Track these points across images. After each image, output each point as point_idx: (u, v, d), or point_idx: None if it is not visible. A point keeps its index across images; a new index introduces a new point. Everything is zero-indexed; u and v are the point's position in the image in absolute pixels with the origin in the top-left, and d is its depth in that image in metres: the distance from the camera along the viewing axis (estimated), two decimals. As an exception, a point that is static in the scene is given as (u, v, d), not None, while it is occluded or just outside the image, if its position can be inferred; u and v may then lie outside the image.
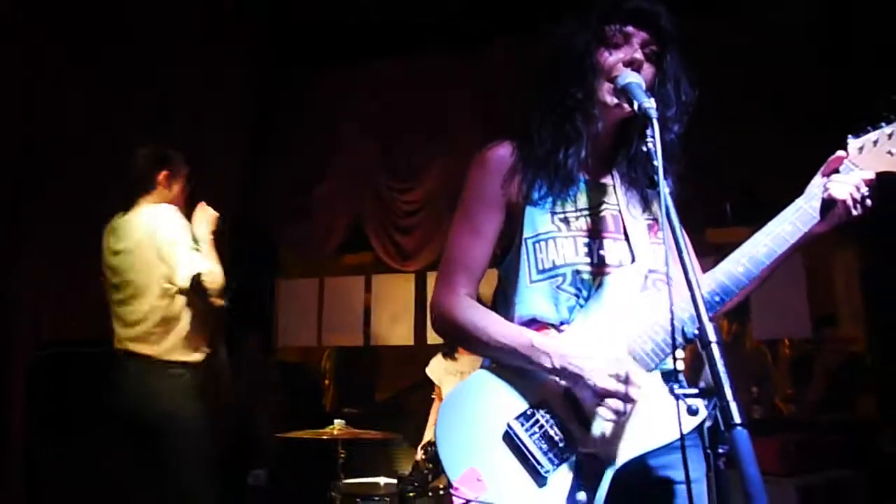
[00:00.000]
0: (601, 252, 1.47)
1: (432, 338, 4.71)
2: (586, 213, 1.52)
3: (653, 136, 1.32)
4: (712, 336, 1.14)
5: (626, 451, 1.34)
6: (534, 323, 1.46)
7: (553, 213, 1.49)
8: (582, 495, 1.30)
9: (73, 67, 3.85)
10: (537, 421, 1.37)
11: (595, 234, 1.49)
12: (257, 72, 5.09)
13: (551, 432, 1.36)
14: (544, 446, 1.35)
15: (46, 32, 3.67)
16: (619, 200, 1.55)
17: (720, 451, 1.16)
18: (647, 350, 1.37)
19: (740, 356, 4.71)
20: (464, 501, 1.28)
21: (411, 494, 3.38)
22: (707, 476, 1.15)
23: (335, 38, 5.07)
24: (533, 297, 1.47)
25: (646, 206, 1.57)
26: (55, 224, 3.79)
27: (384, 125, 5.06)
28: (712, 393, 1.13)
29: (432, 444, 3.38)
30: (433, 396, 4.15)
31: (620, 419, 1.32)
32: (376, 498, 3.49)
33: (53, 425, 3.56)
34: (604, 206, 1.54)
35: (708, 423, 1.15)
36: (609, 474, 1.32)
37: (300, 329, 5.31)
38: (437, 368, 4.04)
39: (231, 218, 4.88)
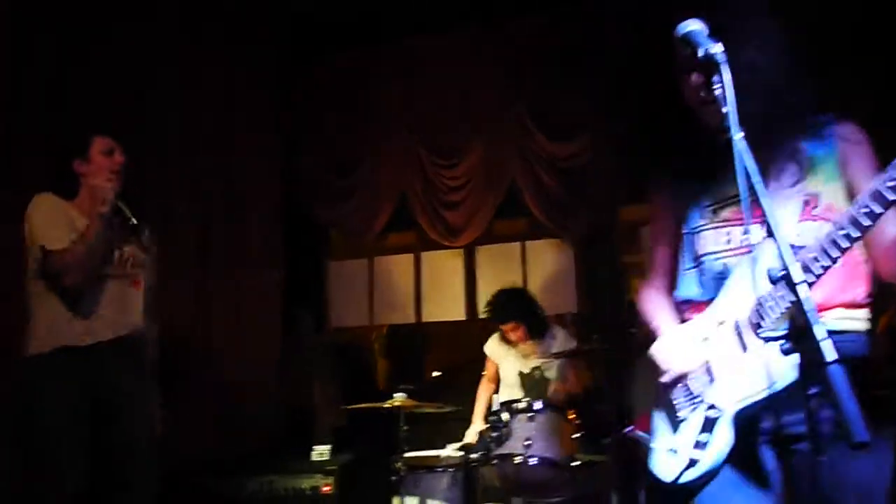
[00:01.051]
0: (742, 236, 1.56)
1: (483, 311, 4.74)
2: (729, 202, 1.60)
3: (720, 82, 1.30)
4: (797, 276, 1.13)
5: (732, 402, 1.47)
6: (687, 303, 1.68)
7: (703, 208, 1.64)
8: (704, 436, 1.50)
9: (99, 59, 3.85)
10: (681, 378, 1.60)
11: (736, 221, 1.58)
12: (289, 56, 5.12)
13: (689, 386, 1.59)
14: (681, 399, 1.60)
15: (58, 33, 3.67)
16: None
17: (811, 391, 1.15)
18: (758, 315, 1.41)
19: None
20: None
21: (474, 465, 3.44)
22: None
23: (369, 16, 5.06)
24: (686, 281, 1.69)
25: (792, 177, 1.55)
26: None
27: (422, 102, 5.05)
28: (801, 333, 1.12)
29: (494, 413, 3.42)
30: (483, 374, 4.19)
31: (705, 379, 1.53)
32: (440, 469, 3.55)
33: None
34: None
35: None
36: (723, 422, 1.48)
37: (352, 309, 5.39)
38: (496, 348, 4.08)
39: (276, 205, 5.00)
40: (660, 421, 1.66)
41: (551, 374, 3.92)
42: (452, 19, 4.86)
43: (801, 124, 1.56)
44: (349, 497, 3.86)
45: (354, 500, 3.91)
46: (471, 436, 3.95)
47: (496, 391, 4.11)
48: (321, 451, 4.08)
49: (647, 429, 1.70)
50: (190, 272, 4.33)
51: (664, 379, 1.62)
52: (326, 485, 3.85)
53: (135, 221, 2.65)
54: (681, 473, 1.54)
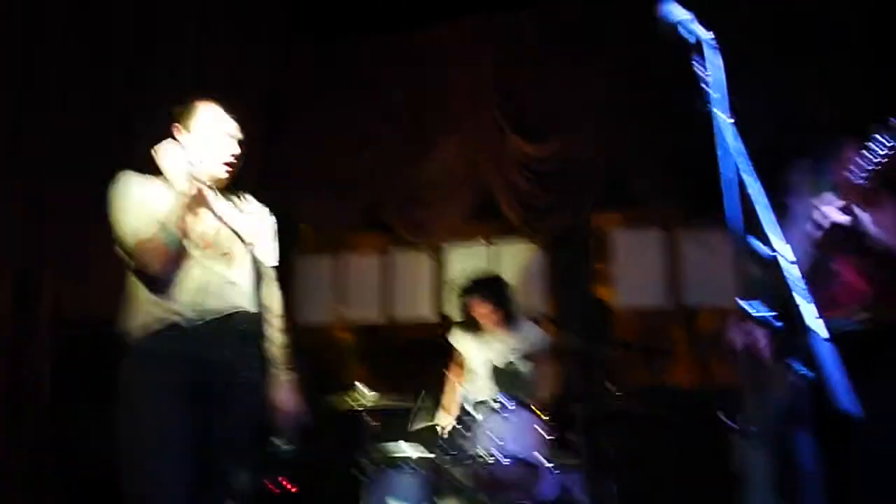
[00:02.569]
0: None
1: (453, 312, 4.71)
2: None
3: (701, 61, 1.30)
4: (784, 252, 1.13)
5: None
6: None
7: None
8: None
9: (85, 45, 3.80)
10: None
11: None
12: (276, 43, 5.05)
13: None
14: None
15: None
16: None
17: (789, 361, 1.15)
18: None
19: None
20: None
21: (446, 465, 3.38)
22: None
23: (342, 7, 4.98)
24: None
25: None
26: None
27: (398, 96, 5.01)
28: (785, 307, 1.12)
29: (468, 412, 3.37)
30: (446, 371, 4.13)
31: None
32: (409, 469, 3.48)
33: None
34: None
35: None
36: None
37: (318, 305, 5.31)
38: (461, 338, 4.01)
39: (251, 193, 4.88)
40: None
41: (524, 369, 3.84)
42: (430, 13, 4.83)
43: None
44: (314, 496, 3.79)
45: (320, 499, 3.83)
46: (440, 420, 3.85)
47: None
48: (278, 445, 3.98)
49: None
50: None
51: None
52: (289, 483, 3.78)
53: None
54: None
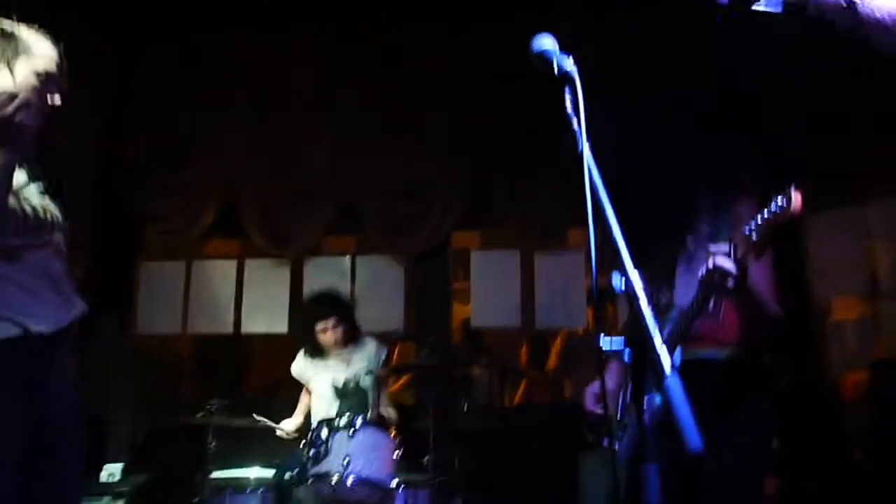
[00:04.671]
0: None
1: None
2: None
3: (572, 97, 1.32)
4: (639, 289, 1.15)
5: None
6: None
7: None
8: None
9: None
10: None
11: None
12: (118, 39, 4.70)
13: None
14: None
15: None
16: None
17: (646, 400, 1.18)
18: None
19: None
20: None
21: (291, 484, 3.25)
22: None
23: (206, 3, 4.76)
24: None
25: None
26: None
27: (267, 98, 4.81)
28: (635, 344, 1.14)
29: (314, 430, 3.26)
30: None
31: None
32: (249, 490, 3.33)
33: None
34: None
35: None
36: None
37: (163, 314, 4.94)
38: (304, 368, 3.89)
39: (87, 192, 4.49)
40: None
41: (366, 384, 3.76)
42: (311, 10, 4.68)
43: None
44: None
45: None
46: (286, 424, 3.76)
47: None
48: (112, 471, 3.67)
49: None
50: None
51: None
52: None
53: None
54: None
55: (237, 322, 4.93)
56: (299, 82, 4.81)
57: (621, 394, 2.03)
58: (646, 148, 1.97)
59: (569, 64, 1.36)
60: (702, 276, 1.80)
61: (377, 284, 4.88)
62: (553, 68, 1.39)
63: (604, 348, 1.22)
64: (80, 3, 4.33)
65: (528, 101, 4.01)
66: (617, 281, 1.21)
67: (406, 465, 3.36)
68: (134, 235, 4.98)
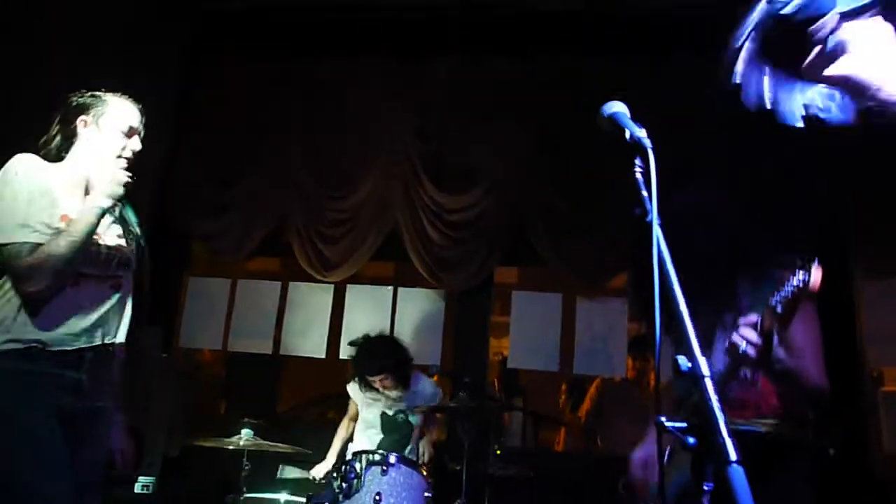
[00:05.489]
0: None
1: (344, 351, 4.58)
2: None
3: (644, 166, 1.32)
4: (705, 370, 1.13)
5: None
6: None
7: None
8: None
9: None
10: None
11: None
12: (183, 60, 4.85)
13: None
14: None
15: None
16: None
17: (705, 487, 1.15)
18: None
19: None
20: None
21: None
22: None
23: (269, 31, 4.92)
24: None
25: None
26: None
27: (319, 128, 4.91)
28: (702, 428, 1.11)
29: (348, 461, 3.25)
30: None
31: None
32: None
33: None
34: None
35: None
36: None
37: (206, 330, 5.02)
38: (359, 391, 3.91)
39: (142, 207, 4.61)
40: None
41: (414, 419, 3.84)
42: (365, 48, 4.79)
43: None
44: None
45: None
46: (318, 471, 3.77)
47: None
48: (145, 483, 3.71)
49: None
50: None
51: None
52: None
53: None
54: None
55: (276, 341, 4.98)
56: (354, 110, 4.90)
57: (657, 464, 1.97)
58: (695, 221, 1.93)
59: (642, 133, 1.35)
60: (726, 347, 1.78)
61: (417, 317, 4.89)
62: (624, 133, 1.39)
63: (668, 426, 1.20)
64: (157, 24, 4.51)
65: (587, 151, 4.05)
66: (683, 363, 1.19)
67: (436, 504, 3.33)
68: (182, 250, 5.08)
